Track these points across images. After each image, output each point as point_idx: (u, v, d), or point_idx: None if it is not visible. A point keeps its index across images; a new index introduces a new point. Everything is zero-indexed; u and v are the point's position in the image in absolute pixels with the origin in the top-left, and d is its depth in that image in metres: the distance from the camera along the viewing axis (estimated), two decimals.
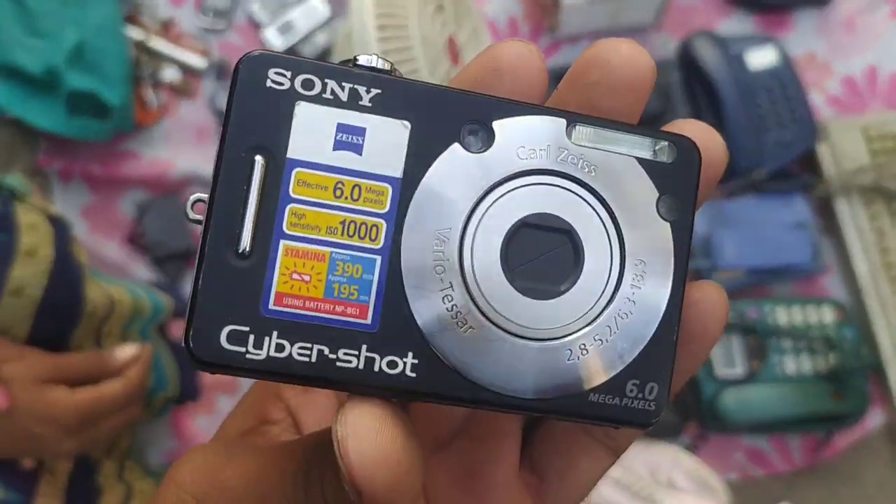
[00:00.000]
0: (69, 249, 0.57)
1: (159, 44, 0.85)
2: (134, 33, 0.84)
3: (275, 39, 0.86)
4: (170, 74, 0.86)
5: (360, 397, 0.22)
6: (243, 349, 0.22)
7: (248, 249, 0.22)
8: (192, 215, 0.24)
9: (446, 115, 0.24)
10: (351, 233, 0.23)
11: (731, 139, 0.81)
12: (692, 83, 0.85)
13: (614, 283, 0.24)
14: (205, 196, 0.23)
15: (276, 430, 0.29)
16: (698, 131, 0.26)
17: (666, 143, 0.25)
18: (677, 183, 0.25)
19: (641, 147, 0.25)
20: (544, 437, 0.30)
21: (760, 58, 0.84)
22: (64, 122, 0.78)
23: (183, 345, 0.22)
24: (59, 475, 0.58)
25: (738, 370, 0.78)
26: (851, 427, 0.80)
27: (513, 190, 0.24)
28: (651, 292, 0.24)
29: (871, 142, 0.84)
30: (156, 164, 0.84)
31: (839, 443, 0.80)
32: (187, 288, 0.81)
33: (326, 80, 0.23)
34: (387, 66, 0.24)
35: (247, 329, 0.22)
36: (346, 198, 0.23)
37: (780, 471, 0.81)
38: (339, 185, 0.23)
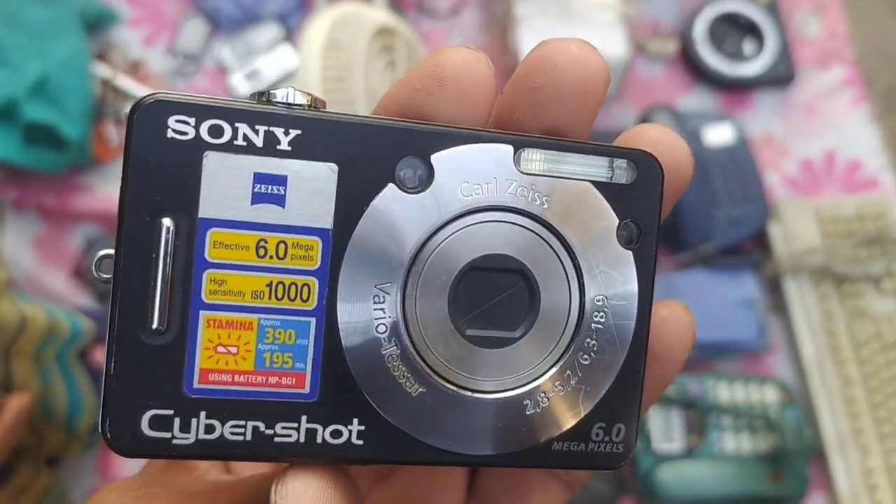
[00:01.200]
0: None
1: (126, 82, 0.87)
2: (102, 70, 0.85)
3: (241, 85, 0.88)
4: None
5: (302, 465, 0.20)
6: (168, 434, 0.20)
7: (162, 326, 0.20)
8: (99, 276, 0.21)
9: (378, 153, 0.21)
10: (279, 295, 0.21)
11: (682, 212, 0.81)
12: None
13: (574, 322, 0.23)
14: (112, 252, 0.20)
15: (205, 465, 0.27)
16: (661, 139, 0.24)
17: (624, 161, 0.23)
18: (638, 205, 0.23)
19: (597, 168, 0.22)
20: (494, 471, 0.28)
21: (717, 134, 0.85)
22: (20, 151, 0.78)
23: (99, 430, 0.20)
24: None
25: (676, 445, 0.76)
26: None
27: (458, 231, 0.22)
28: (614, 329, 0.23)
29: (824, 224, 0.84)
30: (110, 199, 0.84)
31: None
32: None
33: (237, 125, 0.20)
34: (306, 101, 0.21)
35: (170, 412, 0.20)
36: (270, 257, 0.20)
37: None
38: (262, 243, 0.20)
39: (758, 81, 0.90)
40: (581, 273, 0.23)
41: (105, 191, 0.84)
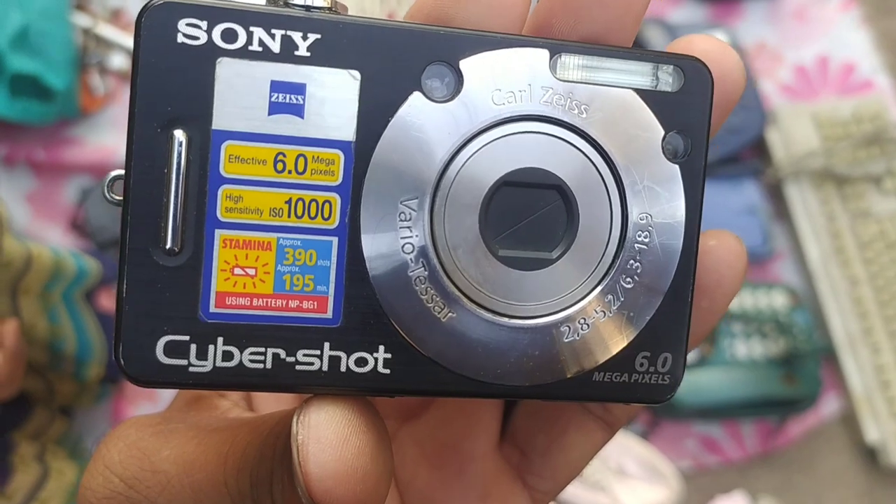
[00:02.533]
0: None
1: (107, 31, 0.85)
2: (82, 20, 0.83)
3: None
4: (117, 62, 0.85)
5: (325, 396, 0.19)
6: (185, 361, 0.19)
7: (176, 246, 0.19)
8: (111, 197, 0.20)
9: (403, 59, 0.19)
10: (299, 213, 0.19)
11: None
12: None
13: (615, 243, 0.21)
14: (123, 172, 0.19)
15: (227, 403, 0.25)
16: (710, 49, 0.22)
17: (670, 66, 0.21)
18: (686, 115, 0.21)
19: (641, 75, 0.21)
20: (529, 409, 0.26)
21: None
22: (6, 104, 0.77)
23: (113, 357, 0.19)
24: None
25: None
26: (805, 413, 0.79)
27: (489, 143, 0.20)
28: (660, 249, 0.21)
29: (821, 127, 0.83)
30: (100, 149, 0.83)
31: (793, 430, 0.79)
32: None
33: (252, 29, 0.19)
34: (326, 3, 0.19)
35: (186, 338, 0.19)
36: (289, 171, 0.19)
37: (733, 458, 0.79)
38: (281, 157, 0.19)
39: None
40: (623, 189, 0.21)
41: (95, 142, 0.83)
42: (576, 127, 0.20)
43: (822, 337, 0.79)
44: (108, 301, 0.70)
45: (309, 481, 0.18)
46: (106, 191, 0.20)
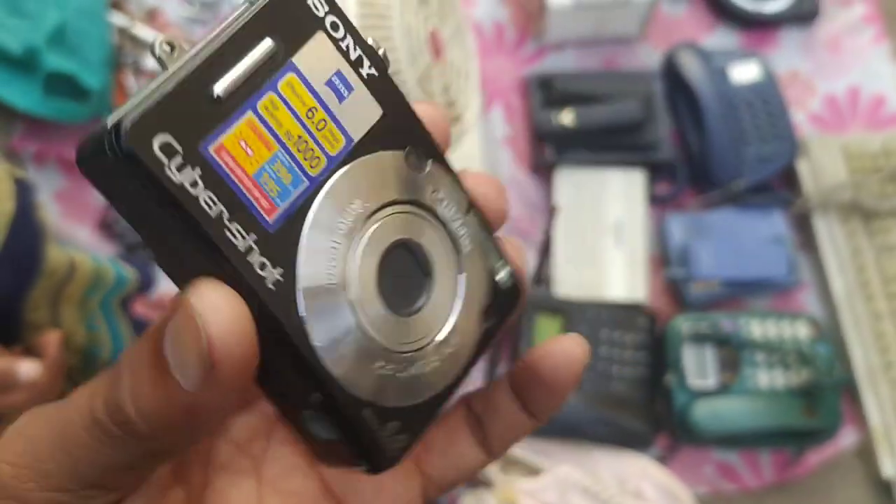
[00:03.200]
0: (31, 207, 0.56)
1: (143, 31, 0.85)
2: (118, 19, 0.83)
3: None
4: (152, 62, 0.85)
5: (211, 279, 0.22)
6: (166, 162, 0.21)
7: (221, 95, 0.23)
8: (156, 50, 0.23)
9: (403, 128, 0.27)
10: (301, 148, 0.24)
11: (711, 150, 0.81)
12: (674, 94, 0.85)
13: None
14: (175, 41, 0.23)
15: None
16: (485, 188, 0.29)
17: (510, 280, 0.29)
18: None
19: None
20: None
21: (744, 72, 0.85)
22: (40, 102, 0.77)
23: (108, 127, 0.21)
24: None
25: (710, 381, 0.77)
26: (823, 444, 0.79)
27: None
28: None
29: (851, 160, 0.84)
30: None
31: (810, 460, 0.80)
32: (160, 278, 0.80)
33: (348, 34, 0.26)
34: (384, 58, 0.27)
35: (180, 150, 0.22)
36: (313, 122, 0.24)
37: (749, 486, 0.80)
38: (313, 110, 0.25)
39: (781, 18, 0.89)
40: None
41: None
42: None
43: (843, 369, 0.80)
44: (142, 308, 0.71)
45: (212, 343, 0.21)
46: (158, 47, 0.23)
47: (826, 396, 0.77)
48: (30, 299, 0.55)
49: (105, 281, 0.61)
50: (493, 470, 0.74)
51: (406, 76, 0.63)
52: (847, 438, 0.81)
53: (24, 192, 0.56)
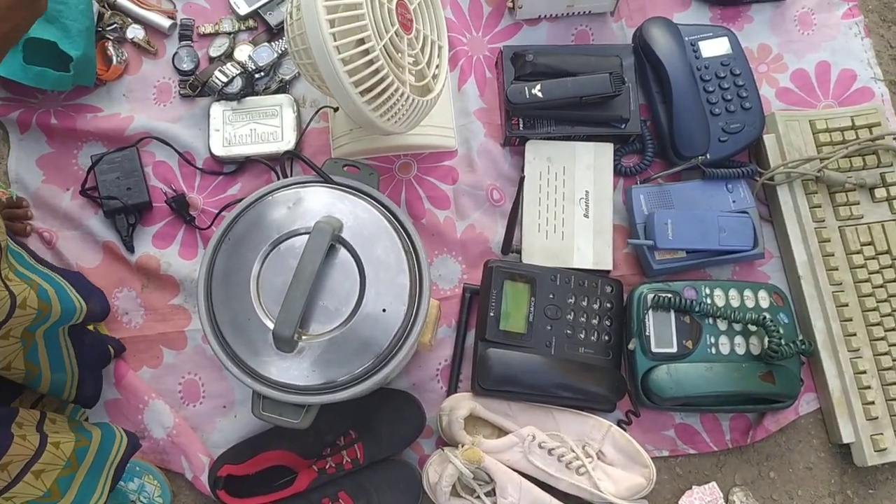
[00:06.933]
0: None
1: (125, 2, 0.87)
2: None
3: (241, 3, 0.88)
4: (134, 32, 0.87)
5: None
6: None
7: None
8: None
9: None
10: None
11: (678, 122, 0.83)
12: (645, 69, 0.86)
13: None
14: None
15: None
16: None
17: None
18: None
19: None
20: None
21: (714, 47, 0.86)
22: (20, 69, 0.79)
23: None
24: None
25: (672, 348, 0.79)
26: (783, 410, 0.81)
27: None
28: None
29: (818, 134, 0.85)
30: (114, 118, 0.85)
31: (770, 425, 0.82)
32: (138, 245, 0.82)
33: None
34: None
35: None
36: None
37: (710, 450, 0.82)
38: None
39: None
40: None
41: (109, 110, 0.85)
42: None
43: (804, 338, 0.81)
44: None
45: None
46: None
47: (786, 364, 0.79)
48: None
49: (51, 317, 0.63)
50: (459, 430, 0.76)
51: (374, 45, 0.65)
52: (807, 405, 0.83)
53: None
